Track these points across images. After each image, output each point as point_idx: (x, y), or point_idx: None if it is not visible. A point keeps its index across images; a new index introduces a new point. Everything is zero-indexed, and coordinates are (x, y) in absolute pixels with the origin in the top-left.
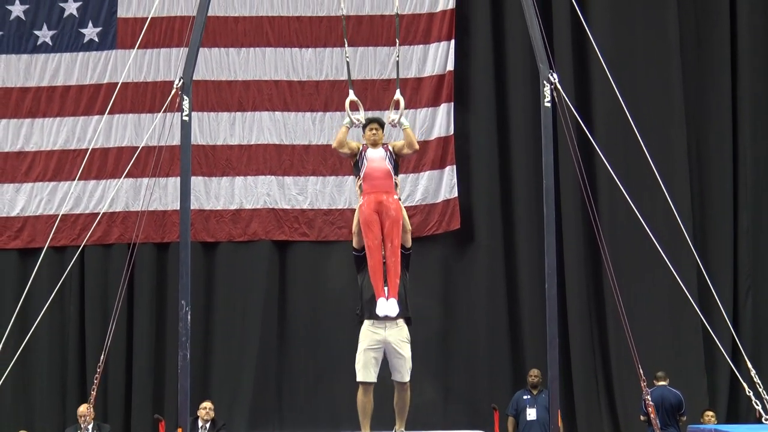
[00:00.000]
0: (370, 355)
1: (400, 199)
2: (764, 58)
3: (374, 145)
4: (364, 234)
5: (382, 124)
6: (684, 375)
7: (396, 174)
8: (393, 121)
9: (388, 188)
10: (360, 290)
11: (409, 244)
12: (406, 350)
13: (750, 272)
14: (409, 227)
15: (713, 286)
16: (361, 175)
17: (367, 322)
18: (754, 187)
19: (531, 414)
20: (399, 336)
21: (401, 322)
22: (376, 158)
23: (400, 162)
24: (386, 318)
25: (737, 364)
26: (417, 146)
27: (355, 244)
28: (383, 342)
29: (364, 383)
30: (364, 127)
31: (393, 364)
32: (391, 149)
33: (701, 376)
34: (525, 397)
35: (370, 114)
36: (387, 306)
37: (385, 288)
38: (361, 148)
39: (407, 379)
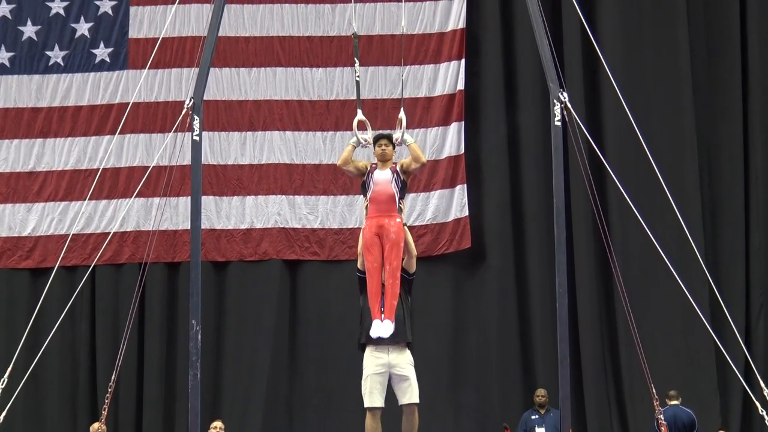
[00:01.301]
0: (376, 380)
1: (405, 225)
2: None
3: (383, 160)
4: (365, 256)
5: (391, 140)
6: (696, 394)
7: (402, 197)
8: (397, 139)
9: (390, 212)
10: (360, 315)
11: (412, 269)
12: (410, 372)
13: (762, 291)
14: (414, 253)
15: (725, 305)
16: (368, 197)
17: (369, 348)
18: (765, 206)
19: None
20: (402, 360)
21: (404, 346)
22: (382, 181)
23: (409, 181)
24: (385, 342)
25: (750, 383)
26: (424, 160)
27: (359, 265)
28: (387, 366)
29: (371, 408)
30: (374, 142)
31: (399, 388)
32: (398, 170)
33: (714, 396)
34: (533, 416)
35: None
36: (381, 327)
37: (381, 310)
38: (369, 168)
39: (415, 400)
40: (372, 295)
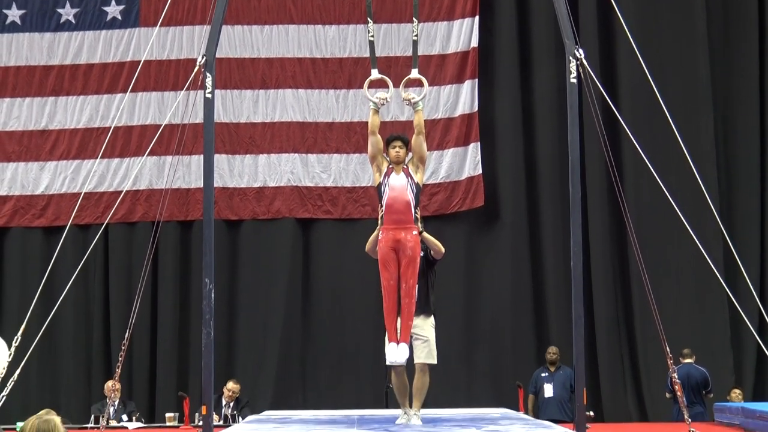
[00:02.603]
0: None
1: (421, 233)
2: None
3: (397, 162)
4: (381, 272)
5: (406, 142)
6: (710, 352)
7: (417, 204)
8: (413, 99)
9: (407, 223)
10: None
11: (439, 257)
12: (430, 334)
13: None
14: (442, 250)
15: (740, 261)
16: (383, 204)
17: None
18: None
19: (548, 391)
20: (425, 324)
21: (428, 314)
22: (398, 187)
23: (422, 184)
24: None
25: (765, 340)
26: (423, 129)
27: (368, 249)
28: None
29: (394, 366)
30: (387, 143)
31: (417, 347)
32: (411, 173)
33: (727, 353)
34: (543, 374)
35: (393, 92)
36: (397, 352)
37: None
38: (385, 170)
39: (431, 361)
40: (388, 314)
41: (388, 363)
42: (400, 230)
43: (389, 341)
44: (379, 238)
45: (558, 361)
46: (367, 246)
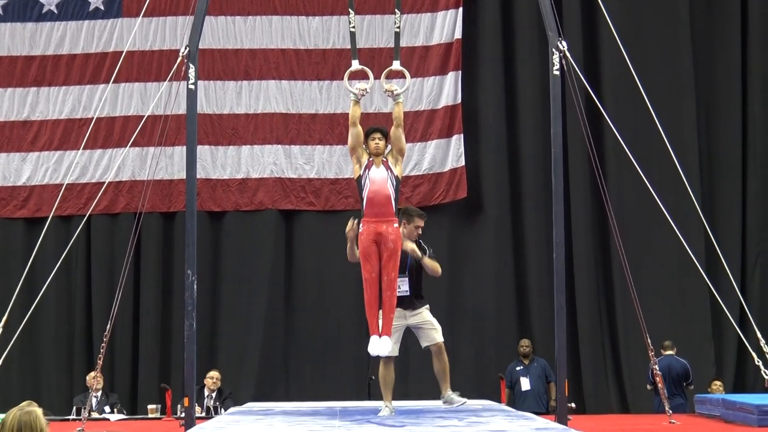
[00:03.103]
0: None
1: (422, 258)
2: None
3: (377, 154)
4: (362, 265)
5: (385, 134)
6: (691, 344)
7: (397, 196)
8: (395, 90)
9: (388, 216)
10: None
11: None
12: (429, 317)
13: (759, 240)
14: (438, 272)
15: (721, 253)
16: (364, 196)
17: None
18: (763, 154)
19: (525, 384)
20: (421, 319)
21: (421, 308)
22: (378, 180)
23: (401, 177)
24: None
25: (745, 332)
26: (402, 122)
27: (348, 256)
28: (403, 326)
29: (384, 357)
30: (366, 135)
31: (421, 334)
32: (390, 166)
33: (709, 345)
34: (518, 368)
35: (373, 83)
36: (379, 344)
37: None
38: (366, 163)
39: (440, 339)
40: (369, 307)
41: (371, 354)
42: (381, 223)
43: (371, 333)
44: (360, 230)
45: (531, 354)
46: (348, 257)
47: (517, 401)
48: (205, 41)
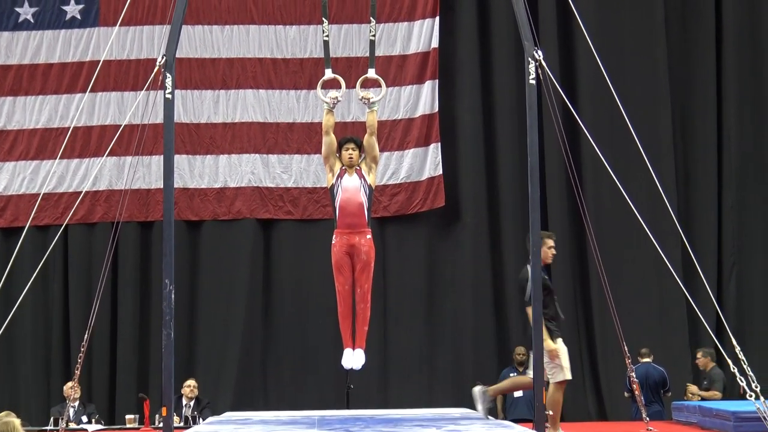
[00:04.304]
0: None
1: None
2: (749, 36)
3: (350, 165)
4: (335, 277)
5: (359, 144)
6: (668, 351)
7: (370, 205)
8: (371, 98)
9: (361, 226)
10: None
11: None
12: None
13: (734, 249)
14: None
15: (698, 263)
16: (337, 205)
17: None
18: (738, 165)
19: (517, 391)
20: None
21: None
22: (351, 188)
23: (375, 186)
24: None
25: (721, 340)
26: (376, 130)
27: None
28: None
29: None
30: (340, 146)
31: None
32: (364, 175)
33: (686, 353)
34: (512, 374)
35: (345, 91)
36: (353, 358)
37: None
38: (338, 172)
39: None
40: (343, 319)
41: (345, 367)
42: (354, 234)
43: (345, 346)
44: (333, 242)
45: (527, 361)
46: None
47: (509, 408)
48: (182, 50)
